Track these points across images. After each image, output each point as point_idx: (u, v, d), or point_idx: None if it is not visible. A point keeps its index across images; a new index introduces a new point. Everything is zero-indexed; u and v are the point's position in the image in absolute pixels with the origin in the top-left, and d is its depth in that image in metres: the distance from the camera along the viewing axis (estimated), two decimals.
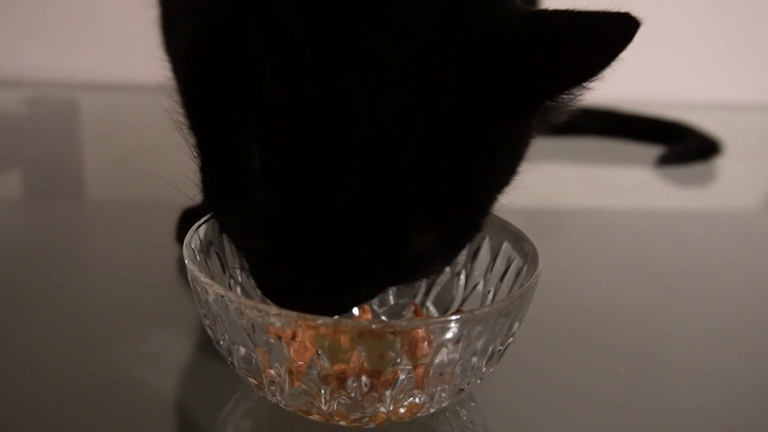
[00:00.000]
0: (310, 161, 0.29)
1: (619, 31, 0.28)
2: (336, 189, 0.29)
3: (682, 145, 0.85)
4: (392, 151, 0.29)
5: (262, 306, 0.30)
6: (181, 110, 0.35)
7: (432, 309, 0.42)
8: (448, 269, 0.41)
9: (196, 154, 0.35)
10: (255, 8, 0.30)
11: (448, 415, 0.36)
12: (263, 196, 0.30)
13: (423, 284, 0.42)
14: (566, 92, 0.30)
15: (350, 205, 0.29)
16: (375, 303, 0.42)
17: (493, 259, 0.40)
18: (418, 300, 0.42)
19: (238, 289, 0.38)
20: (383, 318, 0.42)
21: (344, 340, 0.30)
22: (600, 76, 0.29)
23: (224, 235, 0.37)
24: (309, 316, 0.29)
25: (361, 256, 0.30)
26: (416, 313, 0.41)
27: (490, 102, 0.30)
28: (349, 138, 0.28)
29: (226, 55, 0.31)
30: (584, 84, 0.30)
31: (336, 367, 0.30)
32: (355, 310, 0.42)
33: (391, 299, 0.42)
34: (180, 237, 0.36)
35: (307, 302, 0.31)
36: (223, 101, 0.31)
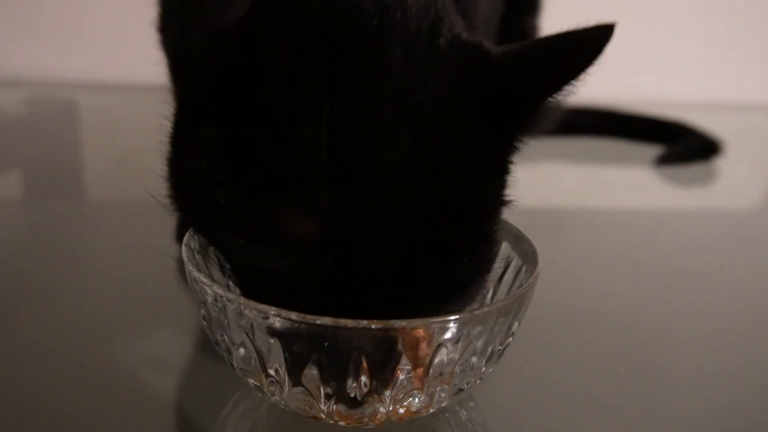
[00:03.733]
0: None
1: (593, 39, 0.31)
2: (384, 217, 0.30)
3: (681, 145, 0.85)
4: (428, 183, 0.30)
5: (261, 306, 0.30)
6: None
7: None
8: None
9: None
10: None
11: (447, 415, 0.36)
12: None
13: None
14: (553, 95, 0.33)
15: (396, 230, 0.30)
16: None
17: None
18: None
19: (238, 290, 0.38)
20: None
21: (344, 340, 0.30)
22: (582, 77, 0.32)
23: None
24: (309, 316, 0.29)
25: (418, 265, 0.31)
26: None
27: (492, 127, 0.32)
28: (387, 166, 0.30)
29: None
30: (570, 84, 0.32)
31: (336, 368, 0.30)
32: None
33: None
34: (180, 237, 0.36)
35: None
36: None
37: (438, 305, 0.32)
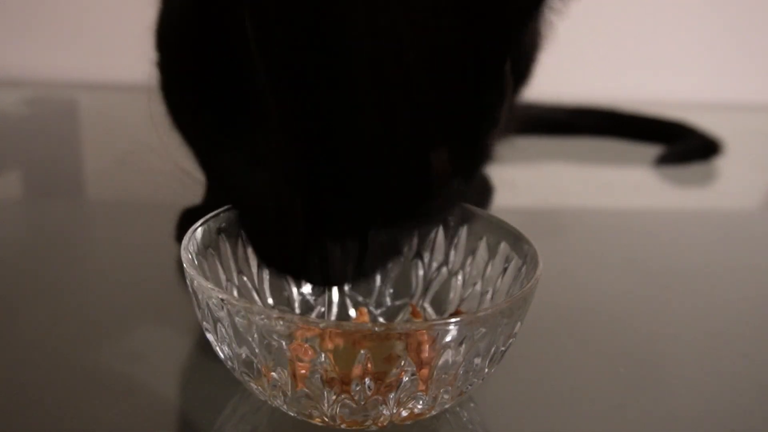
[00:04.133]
0: (319, 104, 0.30)
1: None
2: (350, 124, 0.30)
3: (681, 145, 0.85)
4: (397, 83, 0.30)
5: (263, 309, 0.30)
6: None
7: (429, 310, 0.42)
8: (444, 269, 0.41)
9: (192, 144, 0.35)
10: None
11: (448, 416, 0.36)
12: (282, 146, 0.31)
13: (420, 285, 0.42)
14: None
15: (369, 140, 0.31)
16: (372, 305, 0.42)
17: (491, 259, 0.40)
18: (415, 301, 0.42)
19: (235, 292, 0.38)
20: (381, 320, 0.42)
21: (347, 343, 0.30)
22: None
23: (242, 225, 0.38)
24: (312, 320, 0.29)
25: (389, 183, 0.32)
26: (414, 314, 0.41)
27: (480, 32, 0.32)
28: (356, 69, 0.30)
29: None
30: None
31: (340, 371, 0.30)
32: (352, 312, 0.42)
33: (388, 301, 0.42)
34: (180, 237, 0.36)
35: (350, 235, 0.32)
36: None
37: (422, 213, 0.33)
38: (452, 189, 0.35)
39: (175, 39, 0.36)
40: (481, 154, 0.36)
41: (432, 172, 0.32)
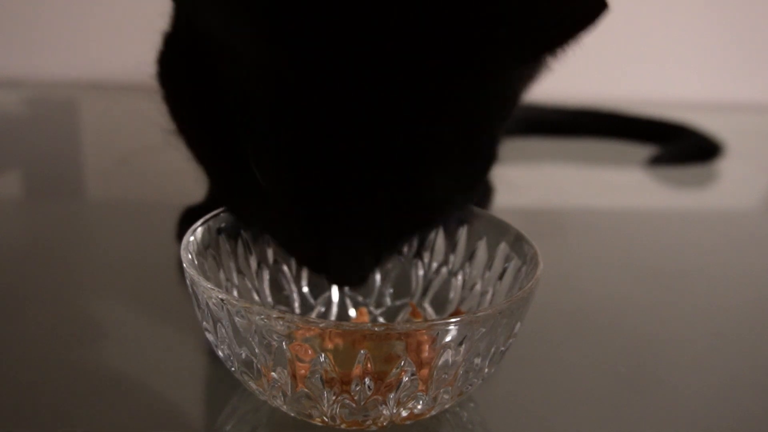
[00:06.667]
0: (312, 128, 0.30)
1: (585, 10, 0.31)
2: (342, 146, 0.31)
3: (676, 146, 0.85)
4: (388, 98, 0.30)
5: (263, 309, 0.30)
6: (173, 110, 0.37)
7: (429, 310, 0.42)
8: (444, 269, 0.41)
9: (196, 153, 0.35)
10: None
11: (448, 416, 0.36)
12: (275, 174, 0.32)
13: (420, 285, 0.42)
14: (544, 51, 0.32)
15: (361, 159, 0.31)
16: (372, 305, 0.42)
17: (491, 259, 0.40)
18: (415, 301, 0.42)
19: (235, 292, 0.38)
20: (380, 320, 0.42)
21: (347, 343, 0.30)
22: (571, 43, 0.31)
23: (242, 225, 0.39)
24: (312, 320, 0.29)
25: (384, 200, 0.32)
26: (414, 314, 0.41)
27: (474, 49, 0.31)
28: (345, 95, 0.30)
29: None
30: (558, 48, 0.32)
31: (340, 371, 0.30)
32: (352, 312, 0.42)
33: (388, 301, 0.42)
34: (181, 237, 0.36)
35: (349, 260, 0.33)
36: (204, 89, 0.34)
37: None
38: (453, 207, 0.36)
39: (175, 80, 0.37)
40: (480, 166, 0.36)
41: (432, 196, 0.33)
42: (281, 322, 0.29)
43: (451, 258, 0.41)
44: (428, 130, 0.32)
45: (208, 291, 0.31)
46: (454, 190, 0.35)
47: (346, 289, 0.42)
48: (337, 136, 0.30)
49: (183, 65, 0.36)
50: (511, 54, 0.32)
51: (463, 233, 0.41)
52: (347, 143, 0.30)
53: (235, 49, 0.32)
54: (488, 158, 0.36)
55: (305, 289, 0.42)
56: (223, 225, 0.38)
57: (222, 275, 0.38)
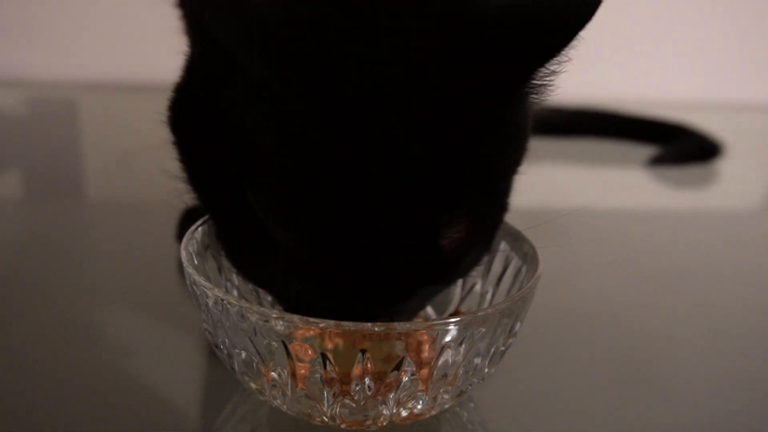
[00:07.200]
0: (324, 195, 0.29)
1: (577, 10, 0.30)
2: (357, 213, 0.29)
3: (676, 146, 0.85)
4: (399, 158, 0.29)
5: (263, 309, 0.30)
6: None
7: (429, 310, 0.42)
8: None
9: (204, 202, 0.35)
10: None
11: (448, 416, 0.36)
12: (288, 237, 0.31)
13: None
14: (542, 67, 0.31)
15: (375, 222, 0.30)
16: None
17: (491, 259, 0.40)
18: None
19: (235, 292, 0.38)
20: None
21: (347, 343, 0.30)
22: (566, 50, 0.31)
23: (250, 283, 0.38)
24: (311, 320, 0.29)
25: (401, 264, 0.31)
26: None
27: (479, 90, 0.31)
28: (357, 159, 0.29)
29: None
30: (556, 57, 0.31)
31: (340, 370, 0.30)
32: None
33: None
34: (181, 237, 0.36)
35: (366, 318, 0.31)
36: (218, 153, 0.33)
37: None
38: (470, 259, 0.34)
39: (185, 129, 0.36)
40: (496, 219, 0.35)
41: (447, 245, 0.32)
42: (281, 322, 0.29)
43: None
44: (452, 181, 0.31)
45: (208, 291, 0.31)
46: (473, 245, 0.34)
47: None
48: (364, 194, 0.30)
49: (194, 116, 0.35)
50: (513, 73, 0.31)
51: None
52: (373, 201, 0.30)
53: (263, 102, 0.31)
54: (504, 208, 0.35)
55: None
56: None
57: (222, 275, 0.38)
